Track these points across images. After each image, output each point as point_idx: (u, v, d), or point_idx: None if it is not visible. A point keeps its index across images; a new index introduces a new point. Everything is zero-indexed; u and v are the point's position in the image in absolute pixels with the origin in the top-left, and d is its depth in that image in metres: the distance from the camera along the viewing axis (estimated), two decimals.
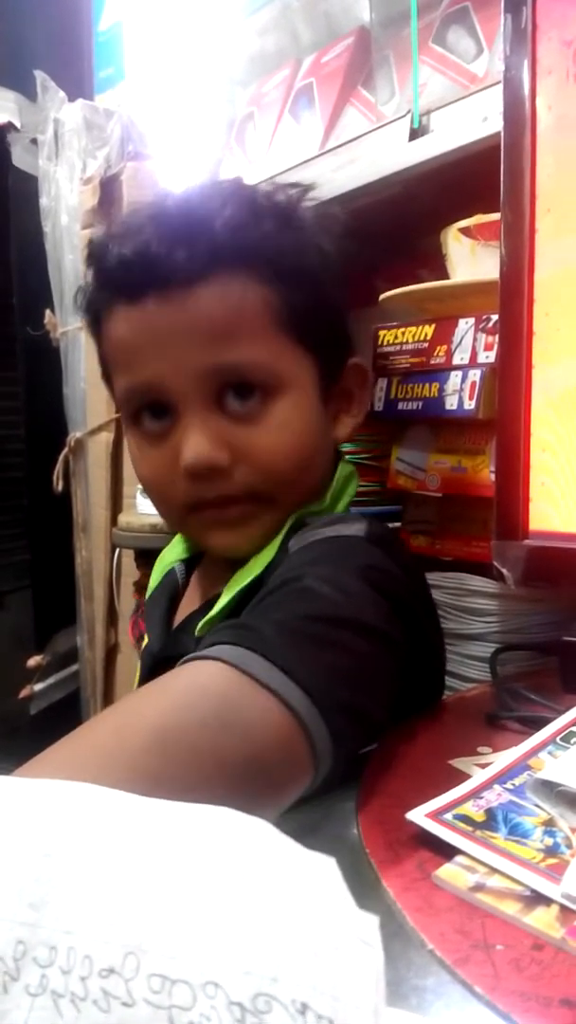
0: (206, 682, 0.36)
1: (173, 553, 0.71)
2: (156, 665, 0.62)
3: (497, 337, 0.61)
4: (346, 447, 0.81)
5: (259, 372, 0.53)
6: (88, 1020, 0.18)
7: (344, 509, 0.59)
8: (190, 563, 0.70)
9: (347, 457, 0.81)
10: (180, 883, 0.21)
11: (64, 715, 1.49)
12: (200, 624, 0.55)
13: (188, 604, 0.66)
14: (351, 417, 0.61)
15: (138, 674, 0.70)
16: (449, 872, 0.33)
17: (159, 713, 0.34)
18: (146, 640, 0.68)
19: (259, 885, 0.21)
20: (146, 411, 0.55)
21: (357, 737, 0.41)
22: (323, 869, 0.22)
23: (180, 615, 0.65)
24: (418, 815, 0.36)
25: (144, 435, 0.56)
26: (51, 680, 1.50)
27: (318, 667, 0.38)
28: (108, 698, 1.40)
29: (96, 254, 0.55)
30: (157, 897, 0.20)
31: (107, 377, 0.60)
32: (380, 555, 0.48)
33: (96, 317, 0.57)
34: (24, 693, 1.43)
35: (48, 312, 1.39)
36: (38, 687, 1.46)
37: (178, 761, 0.32)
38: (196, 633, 0.55)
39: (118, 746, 0.32)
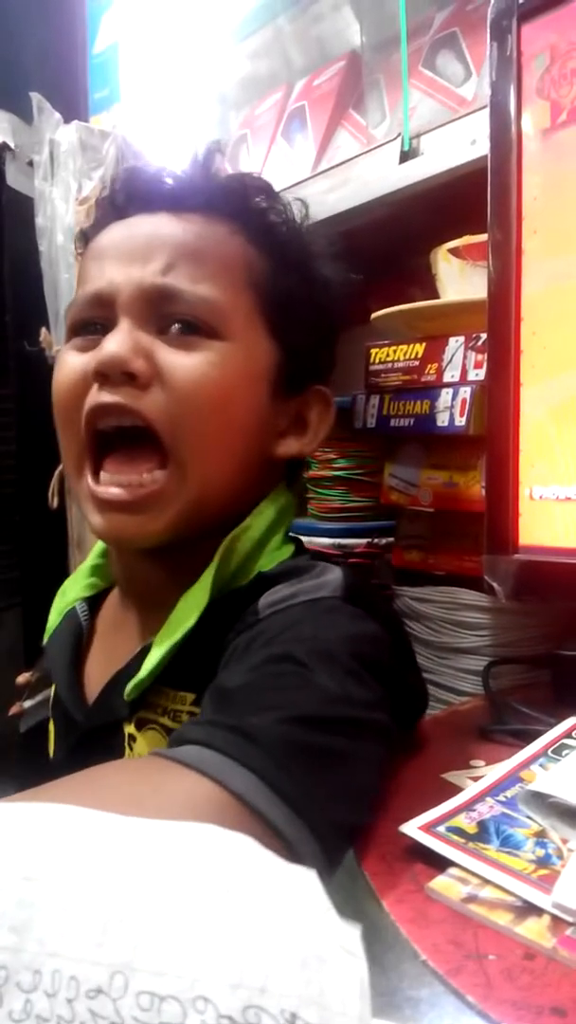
0: (206, 812, 0.31)
1: (75, 588, 0.63)
2: (85, 737, 0.54)
3: (486, 355, 0.62)
4: (340, 463, 0.82)
5: (210, 313, 0.49)
6: None
7: (280, 543, 0.55)
8: (93, 602, 0.62)
9: (341, 474, 0.83)
10: (165, 900, 0.21)
11: None
12: (129, 688, 0.49)
13: (100, 656, 0.58)
14: (299, 443, 0.55)
15: (52, 734, 0.62)
16: (442, 884, 0.33)
17: None
18: (53, 690, 0.60)
19: (243, 899, 0.21)
20: (86, 328, 0.51)
21: (347, 844, 0.38)
22: (304, 881, 0.22)
23: (91, 667, 0.58)
24: (411, 828, 0.37)
25: (73, 346, 0.52)
26: (40, 697, 1.49)
27: (319, 793, 0.35)
28: None
29: (109, 186, 0.54)
30: (143, 915, 0.20)
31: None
32: (360, 617, 0.46)
33: (87, 240, 0.54)
34: (14, 710, 1.42)
35: (44, 330, 1.39)
36: (27, 703, 1.45)
37: None
38: (126, 697, 0.50)
39: None
